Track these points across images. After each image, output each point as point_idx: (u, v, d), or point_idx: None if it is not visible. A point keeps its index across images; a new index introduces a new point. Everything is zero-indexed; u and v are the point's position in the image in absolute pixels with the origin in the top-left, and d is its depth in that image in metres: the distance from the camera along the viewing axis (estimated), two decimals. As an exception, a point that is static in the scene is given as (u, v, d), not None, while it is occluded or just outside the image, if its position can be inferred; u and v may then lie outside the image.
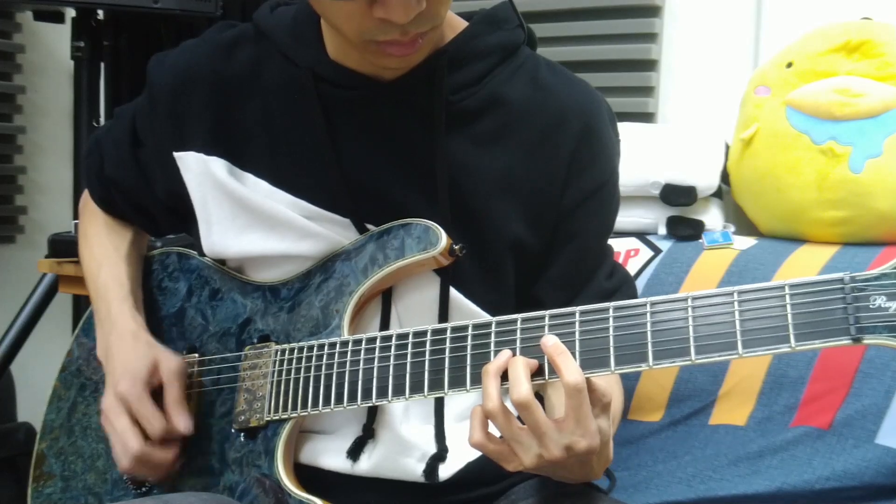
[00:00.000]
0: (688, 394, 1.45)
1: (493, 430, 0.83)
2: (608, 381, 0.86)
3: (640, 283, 1.55)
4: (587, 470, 0.85)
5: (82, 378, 1.15)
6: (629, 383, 1.44)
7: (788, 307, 0.76)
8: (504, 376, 0.82)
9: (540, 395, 0.86)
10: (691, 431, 1.43)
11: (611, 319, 0.82)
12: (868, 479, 1.26)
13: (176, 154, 1.04)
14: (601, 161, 1.03)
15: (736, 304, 0.78)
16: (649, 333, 0.80)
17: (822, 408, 1.34)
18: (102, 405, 1.01)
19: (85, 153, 1.19)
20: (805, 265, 1.46)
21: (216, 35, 1.06)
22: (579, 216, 1.02)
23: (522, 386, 0.79)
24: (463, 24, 1.01)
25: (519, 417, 0.81)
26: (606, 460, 0.86)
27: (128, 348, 1.02)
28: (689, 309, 0.80)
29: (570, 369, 0.79)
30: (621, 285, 1.06)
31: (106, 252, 1.13)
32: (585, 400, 0.78)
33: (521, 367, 0.81)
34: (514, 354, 0.84)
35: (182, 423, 0.99)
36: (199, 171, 1.02)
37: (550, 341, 0.81)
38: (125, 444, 0.98)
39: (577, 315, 0.84)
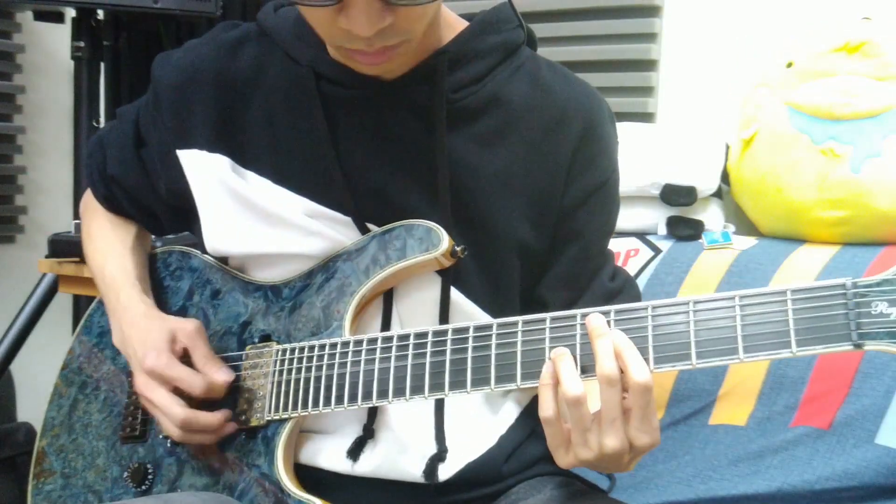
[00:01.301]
0: (688, 394, 1.45)
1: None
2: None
3: (640, 283, 1.55)
4: (625, 463, 0.85)
5: (83, 376, 1.15)
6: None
7: (790, 312, 0.76)
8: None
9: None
10: (691, 431, 1.43)
11: (612, 323, 0.82)
12: (868, 479, 1.27)
13: (179, 152, 1.04)
14: (602, 160, 1.03)
15: (737, 308, 0.78)
16: (650, 337, 0.81)
17: (822, 408, 1.34)
18: (136, 388, 1.00)
19: (87, 153, 1.18)
20: (805, 265, 1.46)
21: (220, 34, 1.06)
22: (581, 215, 1.02)
23: (578, 383, 0.80)
24: (463, 24, 1.01)
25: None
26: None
27: (142, 329, 1.02)
28: (691, 313, 0.80)
29: (640, 368, 0.79)
30: (625, 286, 1.06)
31: (110, 244, 1.14)
32: (652, 398, 0.79)
33: (572, 365, 0.81)
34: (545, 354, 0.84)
35: (220, 373, 0.98)
36: (202, 168, 1.02)
37: (618, 336, 0.81)
38: (169, 413, 0.96)
39: (578, 318, 0.84)
